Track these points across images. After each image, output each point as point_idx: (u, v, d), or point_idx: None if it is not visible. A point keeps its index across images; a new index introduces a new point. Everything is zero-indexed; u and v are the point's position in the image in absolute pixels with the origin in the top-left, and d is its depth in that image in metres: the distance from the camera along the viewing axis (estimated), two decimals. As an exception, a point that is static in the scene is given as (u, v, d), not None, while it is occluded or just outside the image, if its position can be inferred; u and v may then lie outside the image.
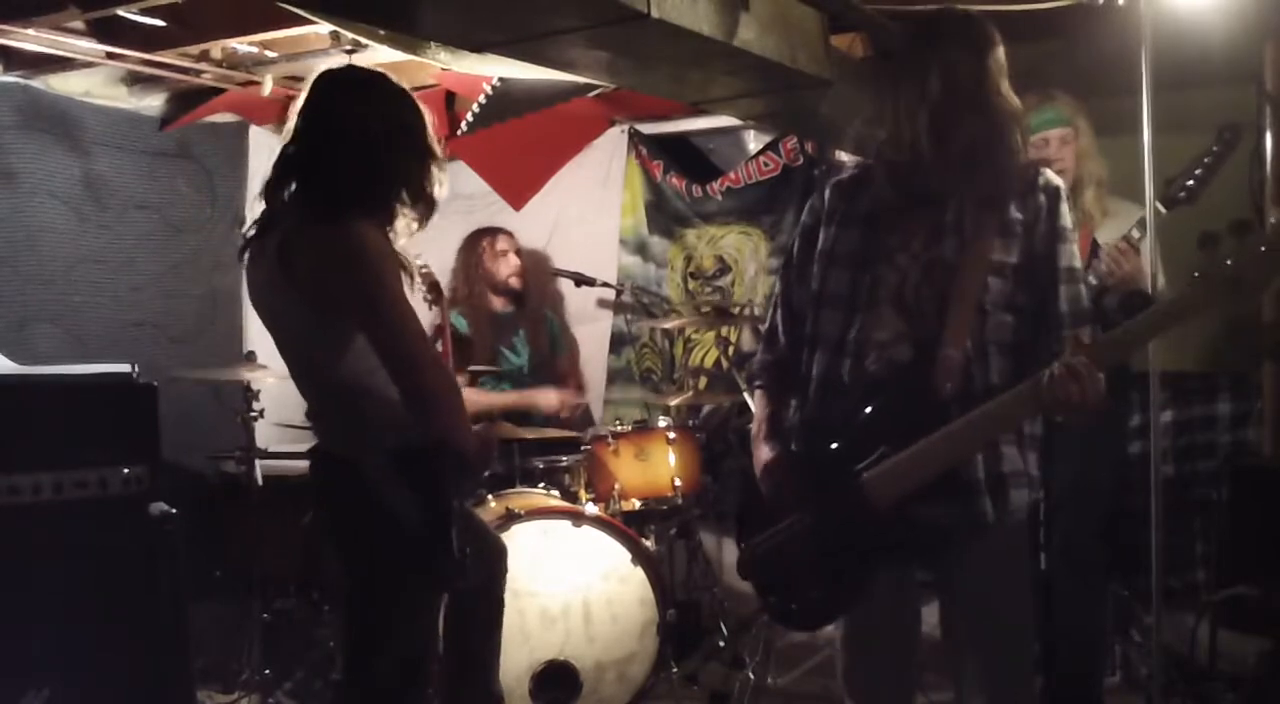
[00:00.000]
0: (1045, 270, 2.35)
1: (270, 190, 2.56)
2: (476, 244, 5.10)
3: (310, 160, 2.52)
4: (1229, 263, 2.06)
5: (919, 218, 2.38)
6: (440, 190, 2.62)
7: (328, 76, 2.60)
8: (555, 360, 5.25)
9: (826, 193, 2.52)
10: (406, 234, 2.59)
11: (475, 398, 4.67)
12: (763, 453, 2.52)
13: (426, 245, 2.68)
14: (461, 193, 5.61)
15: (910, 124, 2.31)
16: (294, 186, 2.54)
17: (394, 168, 2.55)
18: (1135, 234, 3.40)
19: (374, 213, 2.51)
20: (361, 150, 2.50)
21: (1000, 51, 2.33)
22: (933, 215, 2.36)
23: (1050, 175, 2.40)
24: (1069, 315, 2.33)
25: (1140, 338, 2.26)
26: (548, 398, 4.90)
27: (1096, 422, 2.21)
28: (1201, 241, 2.15)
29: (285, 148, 2.56)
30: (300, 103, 2.57)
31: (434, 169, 2.60)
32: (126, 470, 3.49)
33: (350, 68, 2.68)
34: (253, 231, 2.59)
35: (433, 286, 2.72)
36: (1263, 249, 2.06)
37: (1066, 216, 2.37)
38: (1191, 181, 3.41)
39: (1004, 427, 2.29)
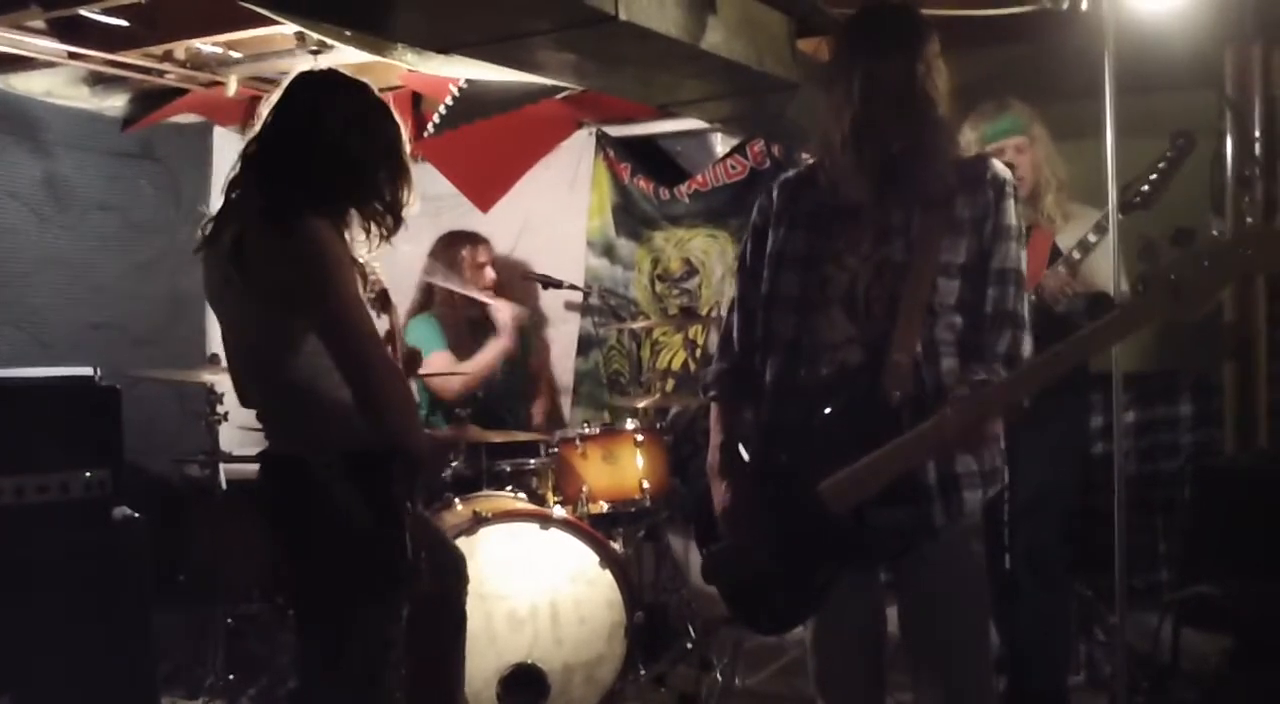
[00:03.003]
0: (983, 270, 2.33)
1: (231, 186, 2.54)
2: (457, 249, 5.05)
3: (274, 157, 2.50)
4: (1172, 276, 2.06)
5: (865, 219, 2.35)
6: (410, 206, 2.60)
7: (309, 77, 2.58)
8: (527, 361, 5.24)
9: (774, 192, 2.50)
10: (372, 244, 2.57)
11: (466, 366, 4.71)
12: (721, 492, 2.48)
13: (392, 247, 2.65)
14: (428, 194, 5.52)
15: (838, 126, 2.29)
16: (253, 183, 2.51)
17: (359, 173, 2.52)
18: (1075, 255, 3.45)
19: (329, 213, 2.48)
20: (327, 151, 2.47)
21: (933, 49, 2.28)
22: (879, 216, 2.34)
23: (998, 167, 2.38)
24: (991, 317, 2.31)
25: (1071, 358, 2.21)
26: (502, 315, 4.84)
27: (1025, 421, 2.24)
28: (1141, 253, 2.15)
29: (249, 144, 2.54)
30: (274, 100, 2.54)
31: (404, 183, 2.58)
32: (89, 474, 3.46)
33: (330, 72, 2.66)
34: (210, 228, 2.57)
35: (381, 294, 2.69)
36: (1206, 264, 2.05)
37: (1011, 213, 2.33)
38: (1146, 187, 3.46)
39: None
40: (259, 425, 2.69)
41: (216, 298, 2.59)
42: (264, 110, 2.55)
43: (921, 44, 2.27)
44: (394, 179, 2.56)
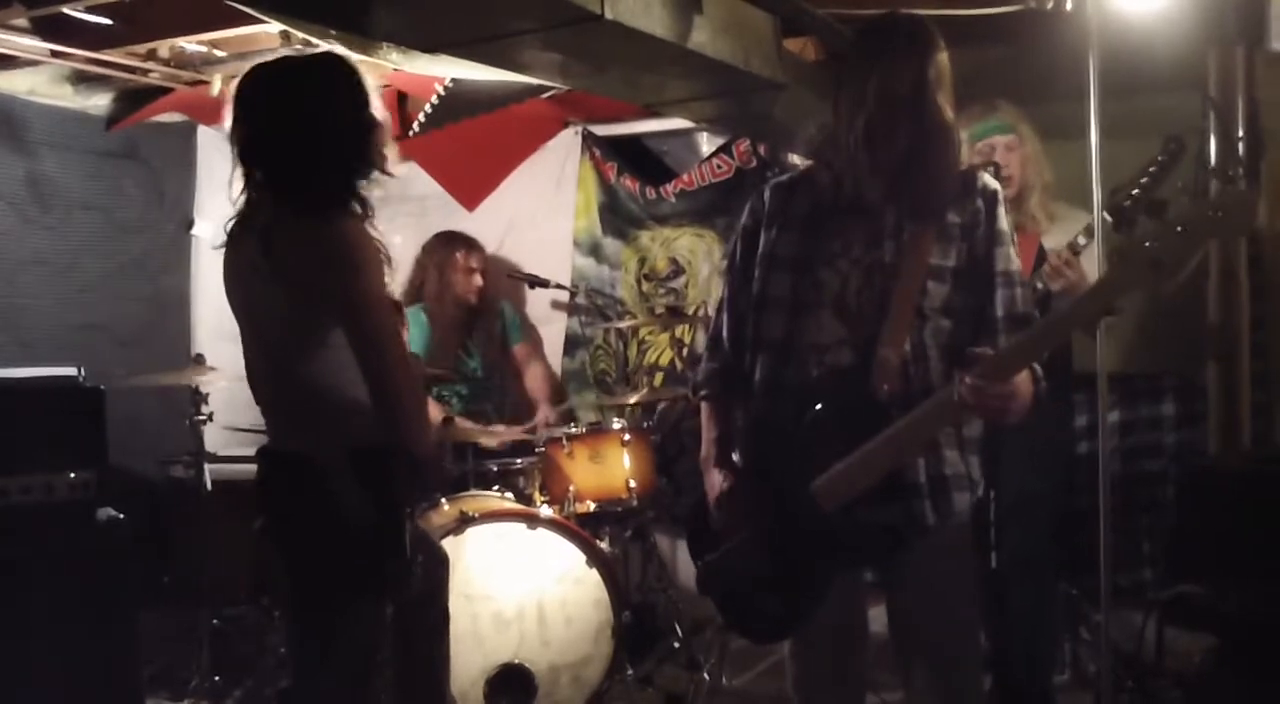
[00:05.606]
0: (983, 273, 2.37)
1: (248, 183, 2.54)
2: (451, 250, 5.08)
3: (277, 151, 2.50)
4: (1147, 244, 2.08)
5: (859, 222, 2.38)
6: (390, 160, 2.61)
7: (261, 72, 2.56)
8: (510, 353, 5.24)
9: (766, 194, 2.52)
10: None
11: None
12: (716, 481, 2.50)
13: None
14: (414, 194, 5.58)
15: (849, 129, 2.32)
16: (263, 177, 2.51)
17: (357, 138, 2.52)
18: (1081, 241, 3.45)
19: (354, 204, 2.50)
20: (334, 139, 2.48)
21: (943, 58, 2.32)
22: (872, 220, 2.37)
23: (988, 179, 2.43)
24: (1004, 319, 2.35)
25: (1056, 334, 2.27)
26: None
27: (1025, 420, 2.25)
28: (1116, 223, 2.17)
29: (241, 142, 2.53)
30: (243, 96, 2.53)
31: (383, 133, 2.58)
32: (73, 475, 3.45)
33: (287, 59, 2.63)
34: (234, 223, 2.56)
35: (394, 305, 2.70)
36: (1179, 229, 2.08)
37: (1004, 220, 2.39)
38: (1137, 191, 3.46)
39: (935, 429, 2.30)
40: (245, 426, 2.69)
41: (237, 290, 2.59)
42: (233, 111, 2.54)
43: (934, 52, 2.31)
44: (375, 132, 2.56)
